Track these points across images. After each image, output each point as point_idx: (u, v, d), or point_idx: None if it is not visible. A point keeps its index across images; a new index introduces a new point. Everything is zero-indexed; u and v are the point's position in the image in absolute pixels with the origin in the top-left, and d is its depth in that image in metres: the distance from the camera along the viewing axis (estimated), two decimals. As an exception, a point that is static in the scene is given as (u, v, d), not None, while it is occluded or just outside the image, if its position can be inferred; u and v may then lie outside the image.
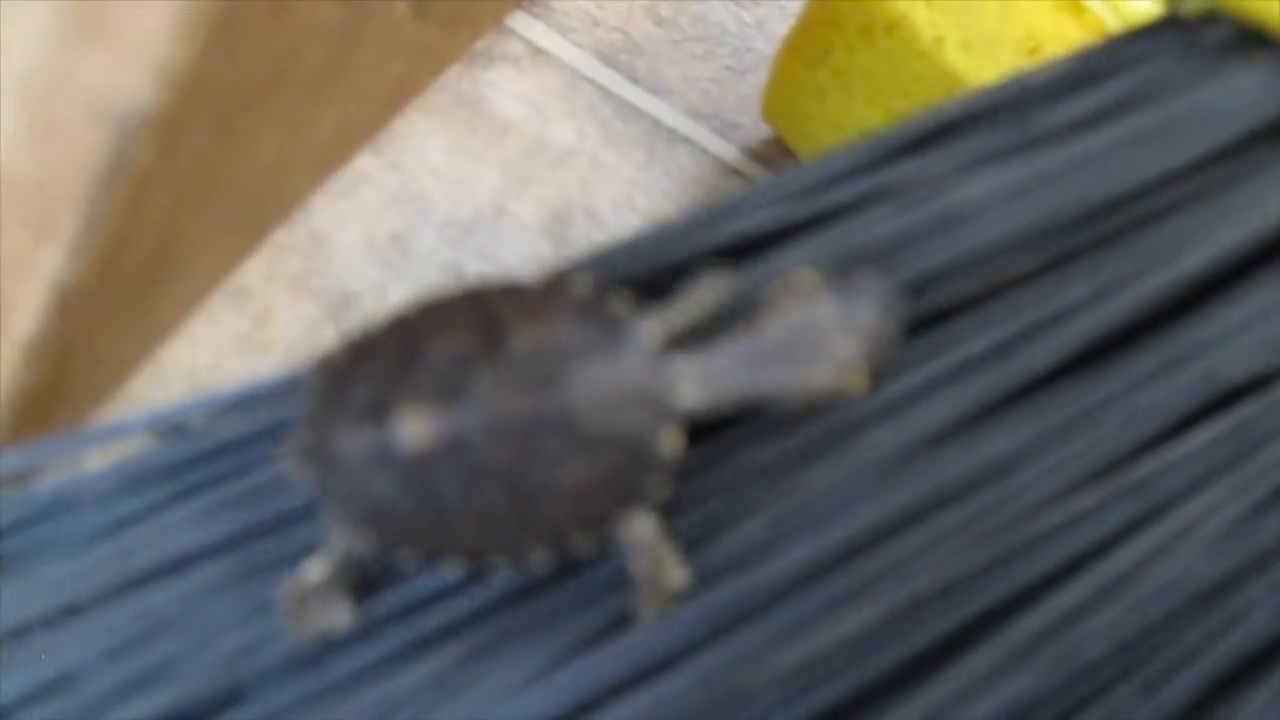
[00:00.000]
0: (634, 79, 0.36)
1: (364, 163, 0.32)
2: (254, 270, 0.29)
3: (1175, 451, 0.18)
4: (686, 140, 0.36)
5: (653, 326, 0.17)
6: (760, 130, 0.37)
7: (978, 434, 0.18)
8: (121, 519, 0.21)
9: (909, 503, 0.18)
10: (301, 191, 0.30)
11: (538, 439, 0.16)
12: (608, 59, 0.36)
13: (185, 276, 0.26)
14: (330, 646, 0.19)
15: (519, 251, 0.32)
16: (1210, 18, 0.19)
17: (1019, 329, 0.18)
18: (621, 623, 0.18)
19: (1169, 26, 0.20)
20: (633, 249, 0.19)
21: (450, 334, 0.17)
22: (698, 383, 0.17)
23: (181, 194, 0.21)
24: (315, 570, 0.18)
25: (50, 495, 0.22)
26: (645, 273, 0.19)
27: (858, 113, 0.33)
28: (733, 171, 0.36)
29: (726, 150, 0.37)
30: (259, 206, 0.28)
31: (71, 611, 0.21)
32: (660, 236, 0.19)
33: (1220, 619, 0.19)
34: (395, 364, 0.17)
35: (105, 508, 0.22)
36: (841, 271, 0.18)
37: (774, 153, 0.37)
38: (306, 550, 0.20)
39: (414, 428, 0.17)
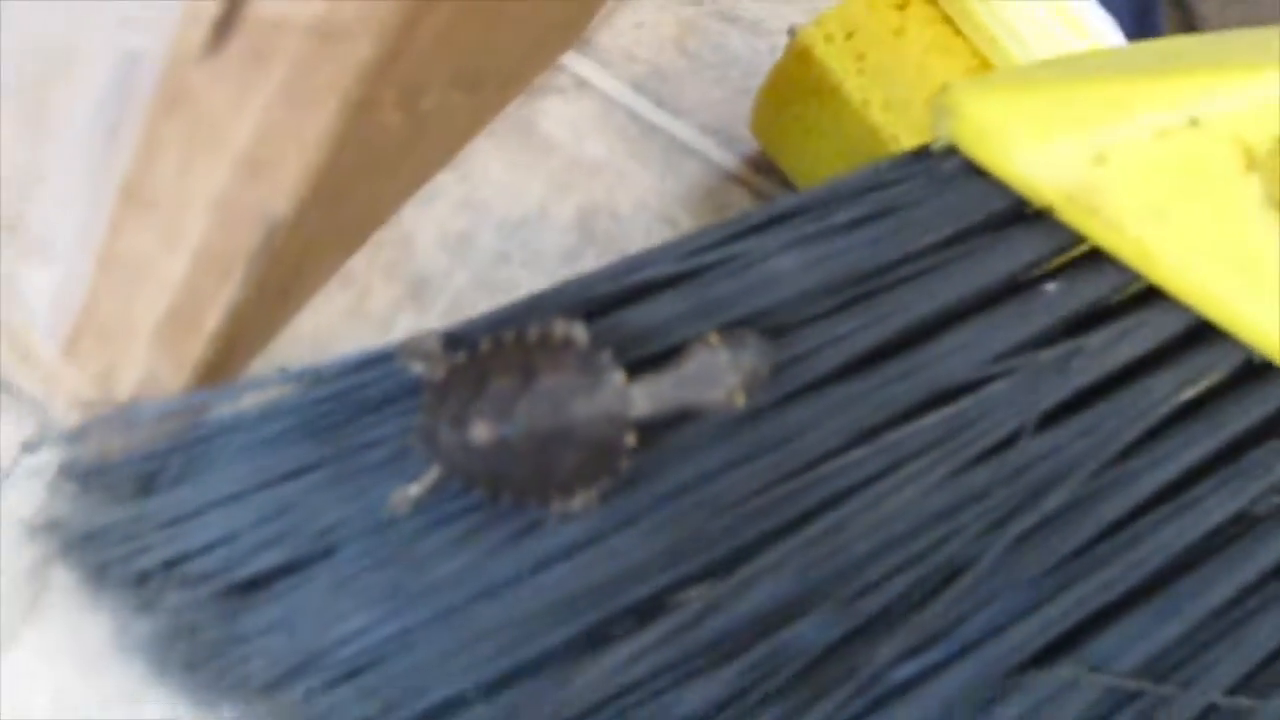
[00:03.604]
0: (659, 103, 0.42)
1: (442, 177, 0.38)
2: (358, 261, 0.36)
3: (911, 426, 0.26)
4: (697, 153, 0.41)
5: (621, 373, 0.25)
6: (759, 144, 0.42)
7: (785, 410, 0.26)
8: (265, 439, 0.28)
9: (733, 458, 0.26)
10: (395, 208, 0.37)
11: (553, 442, 0.25)
12: (638, 87, 0.42)
13: (311, 277, 0.33)
14: (390, 524, 0.27)
15: (556, 243, 0.38)
16: (949, 152, 0.26)
17: (811, 346, 0.26)
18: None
19: (923, 156, 0.27)
20: (562, 291, 0.27)
21: (504, 373, 0.25)
22: (646, 399, 0.25)
23: (309, 242, 0.28)
24: (416, 489, 0.26)
25: (220, 423, 0.29)
26: (573, 307, 0.26)
27: (813, 146, 0.39)
28: (734, 178, 0.41)
29: (729, 160, 0.41)
30: (363, 228, 0.35)
31: (235, 497, 0.28)
32: (582, 283, 0.27)
33: (942, 535, 0.26)
34: (472, 388, 0.25)
35: (254, 431, 0.29)
36: (729, 328, 0.26)
37: (769, 163, 0.42)
38: (379, 465, 0.27)
39: (481, 433, 0.25)
